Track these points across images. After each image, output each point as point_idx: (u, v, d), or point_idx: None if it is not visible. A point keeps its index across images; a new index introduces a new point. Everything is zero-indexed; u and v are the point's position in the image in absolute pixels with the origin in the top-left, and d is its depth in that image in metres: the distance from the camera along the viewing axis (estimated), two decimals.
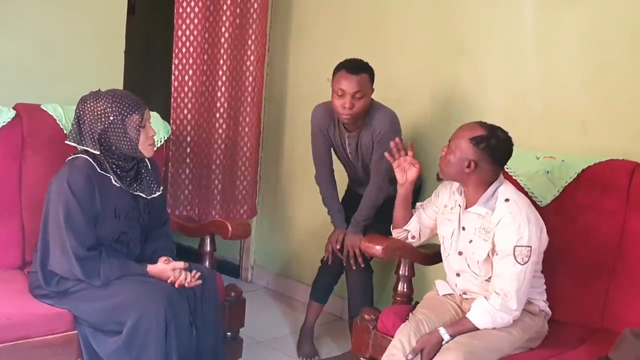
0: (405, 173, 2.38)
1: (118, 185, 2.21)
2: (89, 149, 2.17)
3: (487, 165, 2.12)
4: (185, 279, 2.20)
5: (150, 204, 2.34)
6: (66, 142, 2.24)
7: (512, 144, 2.16)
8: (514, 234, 2.05)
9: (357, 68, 2.63)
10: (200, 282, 2.23)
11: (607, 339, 2.05)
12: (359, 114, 2.67)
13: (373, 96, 2.73)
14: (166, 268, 2.21)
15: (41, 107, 2.55)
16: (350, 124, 2.73)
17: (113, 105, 2.15)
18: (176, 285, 2.18)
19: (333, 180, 2.94)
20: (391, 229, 2.46)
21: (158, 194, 2.34)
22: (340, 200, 3.03)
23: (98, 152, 2.17)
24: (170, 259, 2.26)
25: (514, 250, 2.04)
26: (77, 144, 2.19)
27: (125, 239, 2.26)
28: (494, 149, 2.10)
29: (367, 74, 2.65)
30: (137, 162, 2.29)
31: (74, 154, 2.23)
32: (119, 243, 2.24)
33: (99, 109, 2.15)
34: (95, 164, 2.19)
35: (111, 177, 2.20)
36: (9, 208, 2.45)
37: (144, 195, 2.29)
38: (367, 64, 2.68)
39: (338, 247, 2.84)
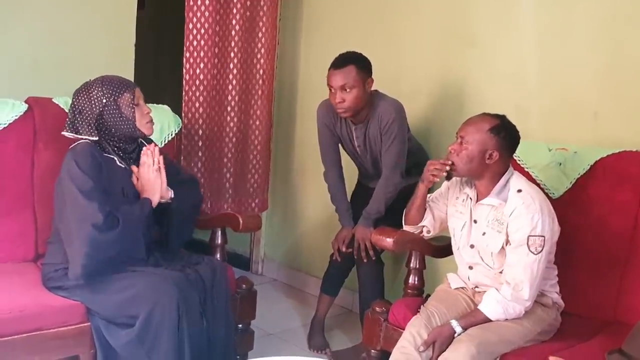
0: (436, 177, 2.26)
1: (123, 166, 2.24)
2: (87, 137, 2.20)
3: (507, 153, 2.14)
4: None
5: None
6: (62, 133, 2.25)
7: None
8: (528, 224, 2.05)
9: (342, 62, 2.64)
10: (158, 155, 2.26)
11: (620, 331, 2.04)
12: (356, 107, 2.66)
13: (378, 88, 2.73)
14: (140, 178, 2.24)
15: (52, 100, 2.56)
16: (353, 117, 2.72)
17: (103, 89, 2.19)
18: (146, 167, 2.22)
19: (341, 178, 2.93)
20: (403, 224, 2.43)
21: None
22: (351, 193, 3.03)
23: (96, 138, 2.20)
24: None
25: (528, 240, 2.04)
26: (75, 133, 2.22)
27: None
28: (512, 136, 2.14)
29: (355, 64, 2.63)
30: (138, 145, 2.32)
31: (75, 142, 2.25)
32: None
33: (92, 95, 2.19)
34: (98, 147, 2.22)
35: (115, 159, 2.23)
36: (22, 201, 2.47)
37: None
38: (355, 55, 2.67)
39: (344, 248, 2.84)
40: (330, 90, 2.67)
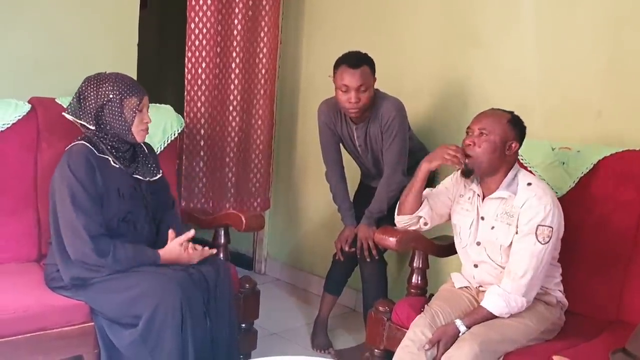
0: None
1: (117, 166, 2.25)
2: (85, 124, 2.21)
3: (519, 147, 2.17)
4: (199, 254, 2.26)
5: (152, 187, 2.37)
6: (63, 113, 2.27)
7: None
8: (540, 213, 2.06)
9: (357, 61, 2.62)
10: (214, 250, 2.29)
11: (624, 330, 2.04)
12: (366, 106, 2.66)
13: (381, 87, 2.72)
14: (173, 246, 2.24)
15: (56, 100, 2.57)
16: (358, 117, 2.72)
17: (114, 85, 2.20)
18: (190, 250, 2.24)
19: (343, 177, 2.93)
20: (396, 215, 2.38)
21: (159, 176, 2.38)
22: (353, 194, 3.03)
23: (93, 128, 2.21)
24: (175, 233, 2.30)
25: (537, 229, 2.06)
26: (75, 117, 2.23)
27: (132, 218, 2.27)
28: (523, 130, 2.18)
29: (368, 65, 2.64)
30: (133, 145, 2.32)
31: (71, 144, 2.26)
32: (125, 223, 2.25)
33: (101, 87, 2.20)
34: (93, 148, 2.22)
35: (110, 159, 2.24)
36: (25, 201, 2.47)
37: (142, 178, 2.31)
38: (366, 55, 2.67)
39: (347, 248, 2.84)
40: (341, 89, 2.63)
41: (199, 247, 2.27)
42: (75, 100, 2.24)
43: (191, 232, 2.27)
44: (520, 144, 2.18)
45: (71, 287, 2.18)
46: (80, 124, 2.24)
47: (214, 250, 2.28)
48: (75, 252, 2.14)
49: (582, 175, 2.37)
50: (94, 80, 2.23)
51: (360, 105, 2.63)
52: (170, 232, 2.28)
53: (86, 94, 2.21)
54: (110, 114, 2.20)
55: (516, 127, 2.15)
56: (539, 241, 2.05)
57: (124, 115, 2.21)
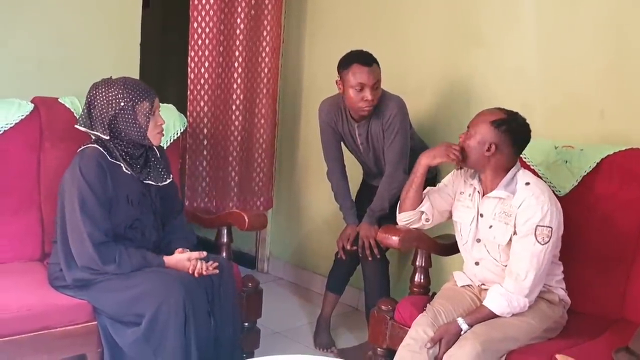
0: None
1: (129, 172, 2.24)
2: (99, 134, 2.20)
3: (508, 149, 2.13)
4: (202, 267, 2.22)
5: (161, 192, 2.37)
6: (76, 126, 2.27)
7: (530, 130, 2.18)
8: (538, 213, 2.06)
9: (369, 59, 2.63)
10: (217, 271, 2.25)
11: (627, 329, 2.04)
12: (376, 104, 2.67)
13: (384, 86, 2.73)
14: (182, 258, 2.23)
15: (58, 100, 2.57)
16: (364, 116, 2.72)
17: (124, 92, 2.18)
18: (196, 274, 2.20)
19: (344, 175, 2.93)
20: (397, 213, 2.38)
21: (168, 181, 2.37)
22: (355, 192, 3.03)
23: (107, 137, 2.19)
24: (188, 249, 2.28)
25: (536, 230, 2.05)
26: (87, 128, 2.22)
27: (139, 225, 2.27)
28: (514, 131, 2.13)
29: (376, 63, 2.66)
30: (145, 150, 2.32)
31: (84, 145, 2.26)
32: (132, 230, 2.25)
33: (110, 94, 2.18)
34: (105, 153, 2.21)
35: (122, 165, 2.23)
36: (28, 200, 2.48)
37: (153, 183, 2.31)
38: (370, 53, 2.67)
39: (349, 246, 2.83)
40: (355, 88, 2.61)
41: (205, 265, 2.23)
42: (85, 110, 2.22)
43: (203, 254, 2.26)
44: (509, 148, 2.12)
45: (74, 286, 2.18)
46: (94, 134, 2.23)
47: (217, 271, 2.25)
48: (81, 258, 2.15)
49: (585, 174, 2.36)
50: (102, 87, 2.20)
51: (374, 103, 2.64)
52: (180, 250, 2.27)
53: (96, 103, 2.19)
54: (124, 122, 2.19)
55: (499, 129, 2.10)
56: (538, 242, 2.05)
57: (138, 121, 2.19)
